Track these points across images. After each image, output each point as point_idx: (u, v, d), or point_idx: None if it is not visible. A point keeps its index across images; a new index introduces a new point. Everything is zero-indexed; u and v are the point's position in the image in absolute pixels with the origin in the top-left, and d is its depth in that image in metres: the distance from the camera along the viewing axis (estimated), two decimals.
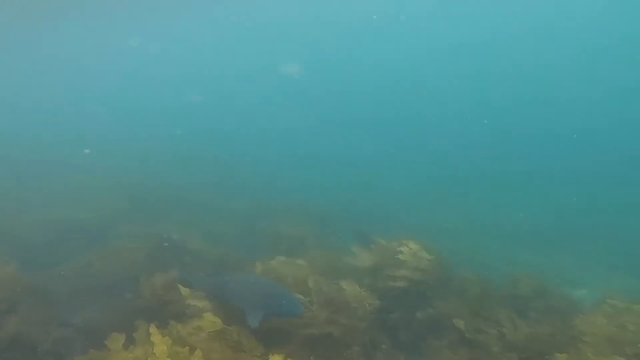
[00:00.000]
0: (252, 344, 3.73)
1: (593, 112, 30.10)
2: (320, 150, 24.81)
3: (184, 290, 4.31)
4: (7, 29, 27.39)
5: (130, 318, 3.92)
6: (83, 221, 8.60)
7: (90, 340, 3.96)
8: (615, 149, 24.54)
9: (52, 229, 8.09)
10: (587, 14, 33.85)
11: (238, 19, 38.49)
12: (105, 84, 44.79)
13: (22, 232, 7.84)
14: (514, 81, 35.54)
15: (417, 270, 5.29)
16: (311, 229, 8.51)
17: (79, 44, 39.11)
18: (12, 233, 7.79)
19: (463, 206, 14.52)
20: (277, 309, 4.10)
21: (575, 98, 31.70)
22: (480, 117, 32.09)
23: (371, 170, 20.11)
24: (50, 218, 8.65)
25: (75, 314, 4.66)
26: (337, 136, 29.67)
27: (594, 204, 14.68)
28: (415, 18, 40.84)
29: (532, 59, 35.02)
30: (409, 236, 6.00)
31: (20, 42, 32.94)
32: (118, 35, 36.96)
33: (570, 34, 35.54)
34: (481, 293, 5.42)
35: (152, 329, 3.46)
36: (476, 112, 33.80)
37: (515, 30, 36.81)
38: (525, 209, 14.21)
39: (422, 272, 5.27)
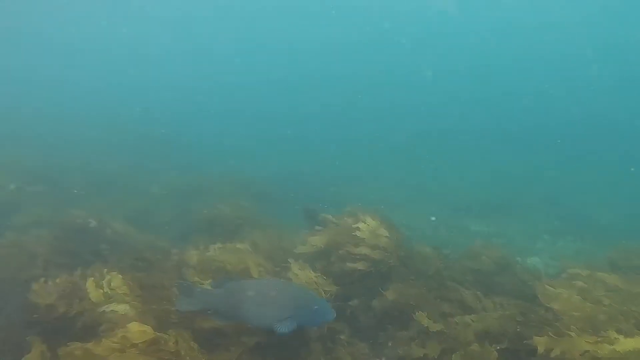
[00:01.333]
0: (193, 353, 3.00)
1: (534, 79, 31.51)
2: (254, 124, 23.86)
3: (95, 293, 3.43)
4: None
5: (19, 335, 3.02)
6: None
7: None
8: (552, 118, 25.83)
9: None
10: None
11: None
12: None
13: None
14: (453, 47, 36.30)
15: (377, 248, 4.76)
16: (250, 207, 7.76)
17: None
18: None
19: (403, 177, 14.43)
20: (309, 317, 3.32)
21: (514, 68, 33.00)
22: (421, 87, 32.60)
23: (307, 142, 19.61)
24: None
25: None
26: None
27: (530, 172, 15.23)
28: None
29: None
30: (364, 210, 5.50)
31: None
32: None
33: None
34: (444, 272, 5.05)
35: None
36: (415, 82, 34.31)
37: None
38: (465, 179, 14.44)
39: (382, 251, 4.75)
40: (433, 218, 9.92)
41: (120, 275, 3.61)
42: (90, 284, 3.47)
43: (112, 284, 3.53)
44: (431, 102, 29.98)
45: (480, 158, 17.21)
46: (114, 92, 31.51)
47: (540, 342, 3.16)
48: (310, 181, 11.96)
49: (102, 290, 3.48)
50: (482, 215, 10.58)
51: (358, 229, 4.93)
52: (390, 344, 3.90)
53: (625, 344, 2.93)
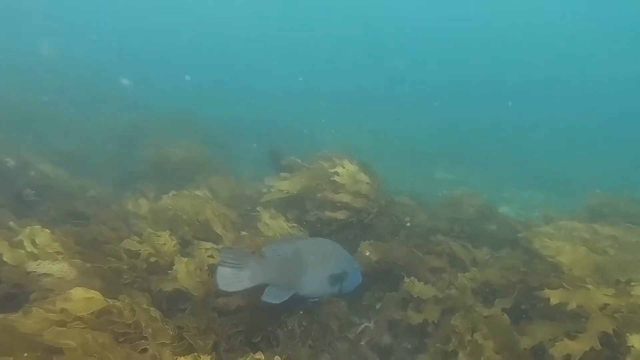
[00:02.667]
0: (156, 324, 2.43)
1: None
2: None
3: (10, 253, 2.69)
4: None
5: None
6: None
7: None
8: (506, 69, 26.16)
9: None
10: None
11: None
12: None
13: None
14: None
15: (358, 196, 4.31)
16: (204, 151, 7.01)
17: None
18: None
19: (365, 125, 14.06)
20: (352, 280, 2.87)
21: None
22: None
23: (261, 84, 18.63)
24: None
25: None
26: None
27: (488, 125, 15.32)
28: None
29: None
30: (339, 154, 4.99)
31: None
32: None
33: None
34: (428, 222, 4.73)
35: None
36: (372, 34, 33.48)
37: None
38: (424, 128, 14.31)
39: (363, 199, 4.30)
40: None
41: (47, 230, 2.90)
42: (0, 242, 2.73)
43: (38, 240, 2.81)
44: (393, 50, 29.38)
45: (438, 109, 17.12)
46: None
47: (555, 295, 2.87)
48: (269, 127, 11.23)
49: (26, 250, 2.76)
50: (445, 163, 10.46)
51: (337, 173, 4.44)
52: (378, 307, 3.52)
53: None
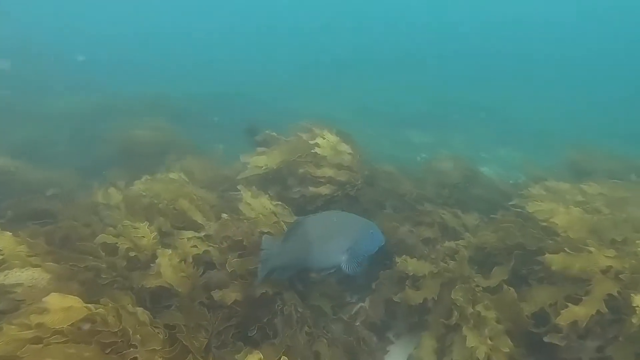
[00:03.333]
0: (145, 329, 2.25)
1: None
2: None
3: None
4: None
5: None
6: None
7: None
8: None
9: None
10: None
11: None
12: None
13: None
14: None
15: (342, 168, 4.15)
16: (174, 130, 6.66)
17: None
18: None
19: (341, 94, 13.80)
20: (370, 245, 2.90)
21: None
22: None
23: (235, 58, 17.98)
24: None
25: None
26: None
27: (456, 88, 15.20)
28: None
29: None
30: (318, 125, 4.78)
31: None
32: None
33: None
34: (414, 191, 4.61)
35: None
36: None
37: None
38: (397, 94, 14.12)
39: (347, 171, 4.15)
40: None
41: (7, 233, 2.63)
42: None
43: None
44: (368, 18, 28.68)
45: (411, 73, 16.90)
46: None
47: (556, 260, 2.82)
48: (244, 102, 10.82)
49: None
50: (421, 127, 10.38)
51: (317, 145, 4.25)
52: (373, 286, 3.42)
53: None
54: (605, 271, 2.72)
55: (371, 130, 10.23)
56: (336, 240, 2.84)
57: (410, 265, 3.16)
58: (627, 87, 13.73)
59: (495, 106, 12.33)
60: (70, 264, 2.69)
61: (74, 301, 2.22)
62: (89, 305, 2.26)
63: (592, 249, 2.85)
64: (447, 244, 3.66)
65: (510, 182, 5.43)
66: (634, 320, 2.49)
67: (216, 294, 2.64)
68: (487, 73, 16.83)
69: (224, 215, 3.67)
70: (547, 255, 2.92)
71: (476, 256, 3.53)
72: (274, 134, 4.75)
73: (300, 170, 4.03)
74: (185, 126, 7.31)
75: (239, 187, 4.10)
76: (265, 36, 23.84)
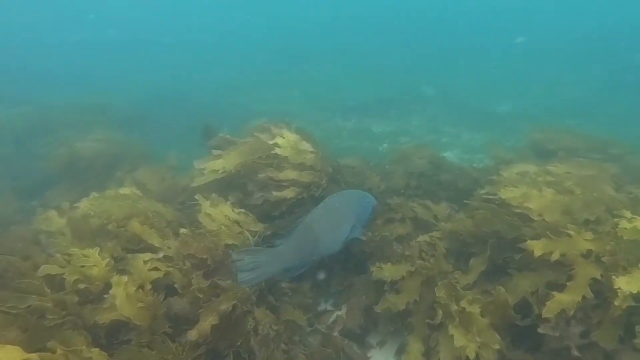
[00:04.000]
0: None
1: None
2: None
3: None
4: None
5: None
6: None
7: None
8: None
9: None
10: None
11: None
12: None
13: None
14: None
15: (304, 169, 3.95)
16: (121, 140, 6.22)
17: None
18: None
19: (295, 86, 13.54)
20: (366, 213, 3.35)
21: None
22: None
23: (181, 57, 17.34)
24: None
25: None
26: None
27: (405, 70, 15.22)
28: None
29: None
30: (276, 123, 4.55)
31: None
32: None
33: None
34: (381, 184, 4.49)
35: None
36: None
37: None
38: (346, 83, 14.00)
39: (310, 171, 3.96)
40: None
41: None
42: None
43: None
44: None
45: (363, 60, 16.77)
46: None
47: (537, 246, 2.75)
48: (193, 102, 10.34)
49: None
50: (379, 115, 10.30)
51: (277, 145, 4.03)
52: (349, 294, 3.26)
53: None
54: (586, 255, 2.67)
55: (329, 121, 10.07)
56: (342, 226, 3.10)
57: (387, 271, 3.01)
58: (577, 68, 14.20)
59: (452, 90, 12.41)
60: (8, 306, 2.37)
61: (13, 353, 1.94)
62: (33, 355, 1.98)
63: (571, 232, 2.80)
64: (421, 238, 3.56)
65: (476, 165, 5.40)
66: (616, 303, 2.44)
67: (191, 333, 2.37)
68: (442, 57, 16.96)
69: (183, 231, 3.41)
70: (528, 242, 2.84)
71: (451, 247, 3.45)
72: (228, 136, 4.48)
73: (261, 175, 3.79)
74: (135, 135, 6.88)
75: (196, 196, 3.84)
76: (216, 35, 23.06)
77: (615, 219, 2.93)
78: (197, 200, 3.77)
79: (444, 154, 7.61)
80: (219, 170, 3.96)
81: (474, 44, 18.93)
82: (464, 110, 10.63)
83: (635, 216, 2.68)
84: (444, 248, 3.31)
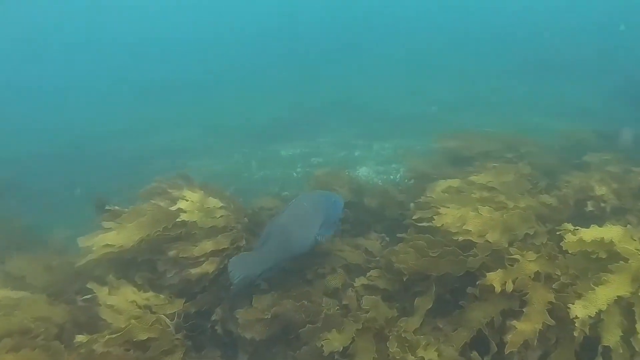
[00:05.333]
0: None
1: None
2: None
3: None
4: None
5: None
6: None
7: None
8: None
9: None
10: None
11: None
12: None
13: None
14: None
15: (219, 232, 3.50)
16: None
17: None
18: None
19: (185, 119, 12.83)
20: (336, 212, 3.47)
21: None
22: None
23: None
24: None
25: None
26: None
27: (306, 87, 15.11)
28: None
29: None
30: (173, 183, 4.04)
31: None
32: None
33: None
34: None
35: None
36: None
37: None
38: (254, 107, 13.60)
39: (226, 233, 3.52)
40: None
41: None
42: None
43: None
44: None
45: (256, 87, 16.29)
46: None
47: (495, 279, 2.57)
48: (75, 160, 9.24)
49: None
50: (286, 138, 10.02)
51: (182, 211, 3.52)
52: None
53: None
54: (535, 277, 2.54)
55: (235, 152, 9.58)
56: (312, 225, 3.23)
57: (336, 340, 2.66)
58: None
59: (353, 98, 12.51)
60: None
61: None
62: None
63: (517, 256, 2.67)
64: (358, 282, 3.28)
65: (397, 180, 5.29)
66: (576, 334, 2.31)
67: None
68: (338, 68, 17.08)
69: (80, 339, 2.80)
70: (488, 276, 2.66)
71: (392, 286, 3.21)
72: (116, 207, 3.82)
73: (172, 252, 3.27)
74: (4, 208, 5.88)
75: (89, 285, 3.23)
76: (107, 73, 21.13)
77: (548, 229, 2.89)
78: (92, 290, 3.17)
79: (359, 170, 7.54)
80: (114, 245, 3.36)
81: (361, 48, 19.41)
82: (369, 118, 10.73)
83: (577, 227, 2.60)
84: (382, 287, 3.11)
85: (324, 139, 9.68)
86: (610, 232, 2.47)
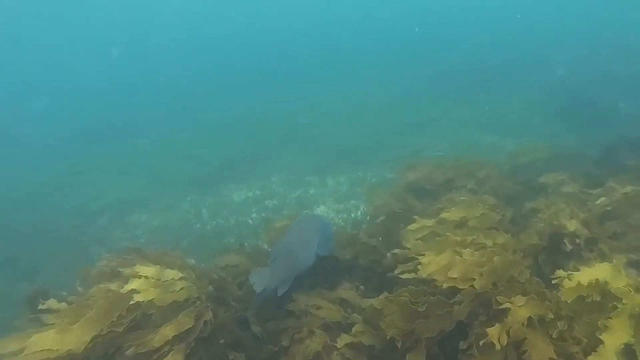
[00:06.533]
0: None
1: None
2: None
3: None
4: None
5: None
6: None
7: None
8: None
9: None
10: None
11: None
12: None
13: None
14: None
15: (181, 309, 3.15)
16: None
17: None
18: None
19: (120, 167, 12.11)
20: (328, 232, 3.88)
21: None
22: None
23: None
24: None
25: None
26: None
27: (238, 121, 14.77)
28: None
29: None
30: (124, 256, 3.65)
31: None
32: None
33: None
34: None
35: None
36: None
37: None
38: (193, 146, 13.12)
39: (189, 309, 3.17)
40: None
41: None
42: None
43: None
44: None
45: (192, 125, 15.62)
46: None
47: (495, 334, 2.43)
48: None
49: None
50: (236, 179, 9.68)
51: (135, 292, 3.14)
52: None
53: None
54: (529, 324, 2.44)
55: (183, 201, 9.07)
56: (311, 242, 3.64)
57: None
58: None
59: (302, 131, 12.34)
60: None
61: None
62: None
63: (509, 305, 2.55)
64: (341, 342, 3.04)
65: (361, 221, 5.14)
66: None
67: None
68: (285, 96, 16.84)
69: None
70: (489, 332, 2.50)
71: (379, 343, 3.00)
72: (60, 305, 3.33)
73: (130, 351, 2.88)
74: None
75: None
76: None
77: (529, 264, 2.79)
78: None
79: (318, 210, 7.33)
80: (55, 350, 2.89)
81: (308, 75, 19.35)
82: (320, 149, 10.59)
83: (571, 272, 2.52)
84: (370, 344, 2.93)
85: (276, 179, 9.42)
86: (603, 271, 2.40)
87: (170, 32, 34.54)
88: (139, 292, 3.12)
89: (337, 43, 25.57)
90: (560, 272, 2.56)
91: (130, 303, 3.06)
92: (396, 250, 3.55)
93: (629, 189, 3.94)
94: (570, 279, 2.44)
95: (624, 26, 17.33)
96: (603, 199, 4.02)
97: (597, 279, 2.34)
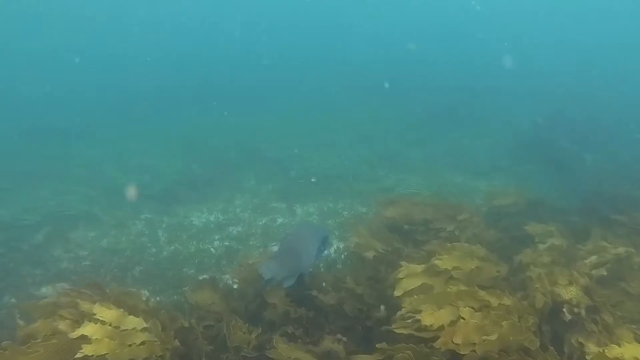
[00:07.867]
0: None
1: None
2: None
3: None
4: None
5: None
6: None
7: None
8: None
9: None
10: None
11: None
12: None
13: None
14: None
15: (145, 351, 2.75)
16: None
17: None
18: None
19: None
20: (327, 234, 4.32)
21: None
22: None
23: None
24: None
25: None
26: None
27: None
28: None
29: None
30: (72, 297, 3.18)
31: None
32: None
33: None
34: (248, 337, 3.51)
35: None
36: None
37: None
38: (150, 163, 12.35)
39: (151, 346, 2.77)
40: None
41: None
42: None
43: None
44: None
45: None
46: None
47: None
48: None
49: None
50: (193, 200, 9.19)
51: (85, 339, 2.71)
52: None
53: None
54: None
55: (136, 220, 8.42)
56: (313, 242, 4.01)
57: None
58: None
59: (260, 150, 11.96)
60: None
61: None
62: None
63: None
64: None
65: (339, 261, 4.87)
66: None
67: None
68: (247, 113, 16.36)
69: None
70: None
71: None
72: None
73: None
74: None
75: None
76: None
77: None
78: None
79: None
80: None
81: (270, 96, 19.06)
82: (282, 175, 10.29)
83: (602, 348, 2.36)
84: None
85: (239, 202, 9.01)
86: (631, 350, 2.26)
87: (149, 38, 33.28)
88: (90, 342, 2.69)
89: (316, 71, 25.41)
90: (592, 347, 2.39)
91: (77, 357, 2.62)
92: (390, 300, 3.30)
93: (621, 249, 3.90)
94: (604, 354, 2.28)
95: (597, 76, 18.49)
96: (594, 257, 3.97)
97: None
